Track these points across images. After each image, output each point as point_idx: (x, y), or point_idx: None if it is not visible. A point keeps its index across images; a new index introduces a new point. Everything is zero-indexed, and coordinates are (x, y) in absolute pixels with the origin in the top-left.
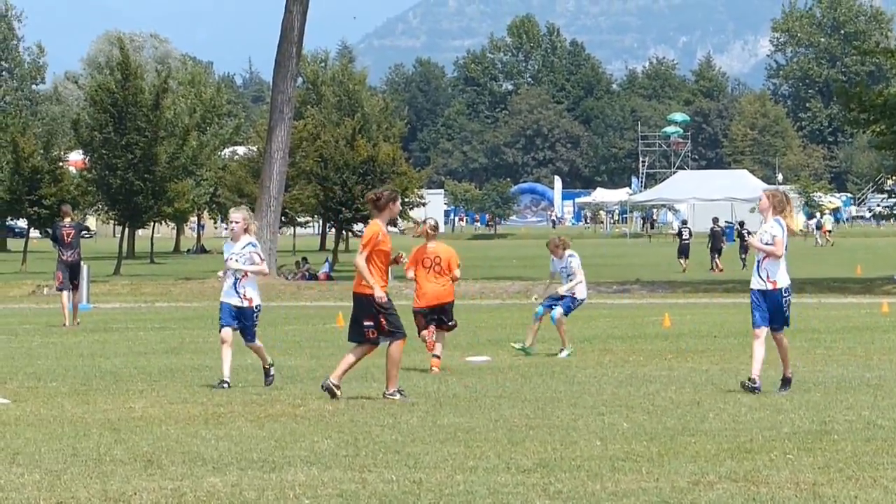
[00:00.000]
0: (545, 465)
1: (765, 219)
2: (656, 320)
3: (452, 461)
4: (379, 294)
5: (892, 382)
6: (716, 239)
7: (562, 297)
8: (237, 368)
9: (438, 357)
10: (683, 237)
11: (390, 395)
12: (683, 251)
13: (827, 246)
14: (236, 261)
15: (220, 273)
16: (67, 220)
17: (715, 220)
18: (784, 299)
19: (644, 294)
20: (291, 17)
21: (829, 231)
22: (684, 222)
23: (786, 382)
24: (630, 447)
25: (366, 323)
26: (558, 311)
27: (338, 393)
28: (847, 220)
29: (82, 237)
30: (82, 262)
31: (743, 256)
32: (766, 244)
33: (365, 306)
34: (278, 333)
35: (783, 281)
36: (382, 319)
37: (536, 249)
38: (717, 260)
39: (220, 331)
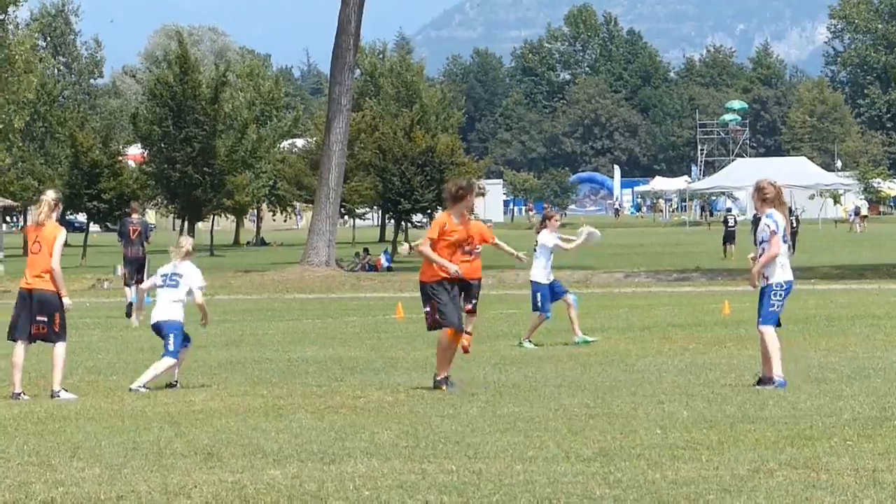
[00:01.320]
0: (605, 453)
1: (759, 212)
2: (716, 308)
3: (512, 451)
4: (453, 269)
5: None
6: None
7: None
8: (297, 360)
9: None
10: (729, 224)
11: (438, 381)
12: (729, 238)
13: (863, 232)
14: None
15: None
16: (135, 216)
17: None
18: (773, 293)
19: (704, 282)
20: (348, 9)
21: (866, 217)
22: (729, 210)
23: (763, 381)
24: (690, 435)
25: (425, 309)
26: (571, 296)
27: (445, 388)
28: None
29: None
30: (146, 258)
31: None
32: (761, 242)
33: (422, 294)
34: (339, 325)
35: (778, 277)
36: (434, 304)
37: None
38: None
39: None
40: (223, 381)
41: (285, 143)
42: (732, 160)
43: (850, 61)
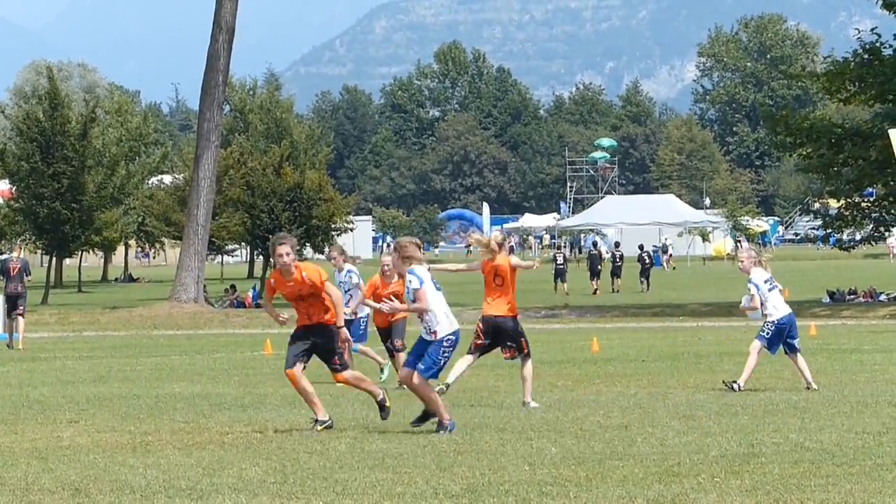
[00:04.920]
0: (473, 490)
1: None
2: (585, 345)
3: (380, 487)
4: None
5: (819, 405)
6: (593, 262)
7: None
8: (165, 397)
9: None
10: (558, 262)
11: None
12: (559, 275)
13: (670, 271)
14: None
15: None
16: (16, 254)
17: (594, 245)
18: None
19: (573, 319)
20: (217, 45)
21: (671, 256)
22: (559, 247)
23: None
24: (558, 472)
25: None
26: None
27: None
28: (773, 243)
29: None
30: (26, 293)
31: (642, 280)
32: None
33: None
34: (207, 361)
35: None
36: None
37: (465, 276)
38: (594, 282)
39: None
40: (91, 417)
41: (154, 180)
42: (601, 197)
43: (718, 99)
